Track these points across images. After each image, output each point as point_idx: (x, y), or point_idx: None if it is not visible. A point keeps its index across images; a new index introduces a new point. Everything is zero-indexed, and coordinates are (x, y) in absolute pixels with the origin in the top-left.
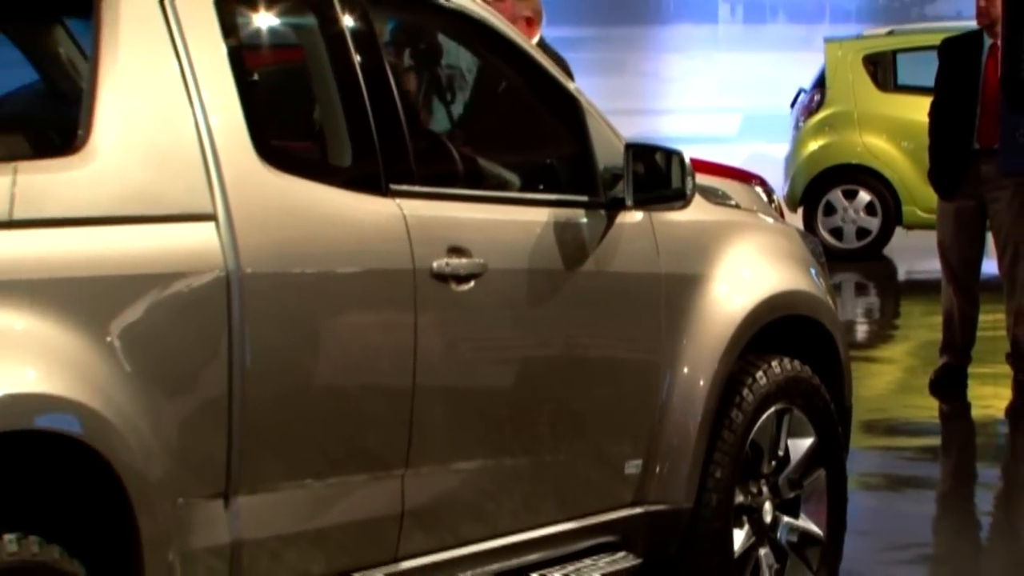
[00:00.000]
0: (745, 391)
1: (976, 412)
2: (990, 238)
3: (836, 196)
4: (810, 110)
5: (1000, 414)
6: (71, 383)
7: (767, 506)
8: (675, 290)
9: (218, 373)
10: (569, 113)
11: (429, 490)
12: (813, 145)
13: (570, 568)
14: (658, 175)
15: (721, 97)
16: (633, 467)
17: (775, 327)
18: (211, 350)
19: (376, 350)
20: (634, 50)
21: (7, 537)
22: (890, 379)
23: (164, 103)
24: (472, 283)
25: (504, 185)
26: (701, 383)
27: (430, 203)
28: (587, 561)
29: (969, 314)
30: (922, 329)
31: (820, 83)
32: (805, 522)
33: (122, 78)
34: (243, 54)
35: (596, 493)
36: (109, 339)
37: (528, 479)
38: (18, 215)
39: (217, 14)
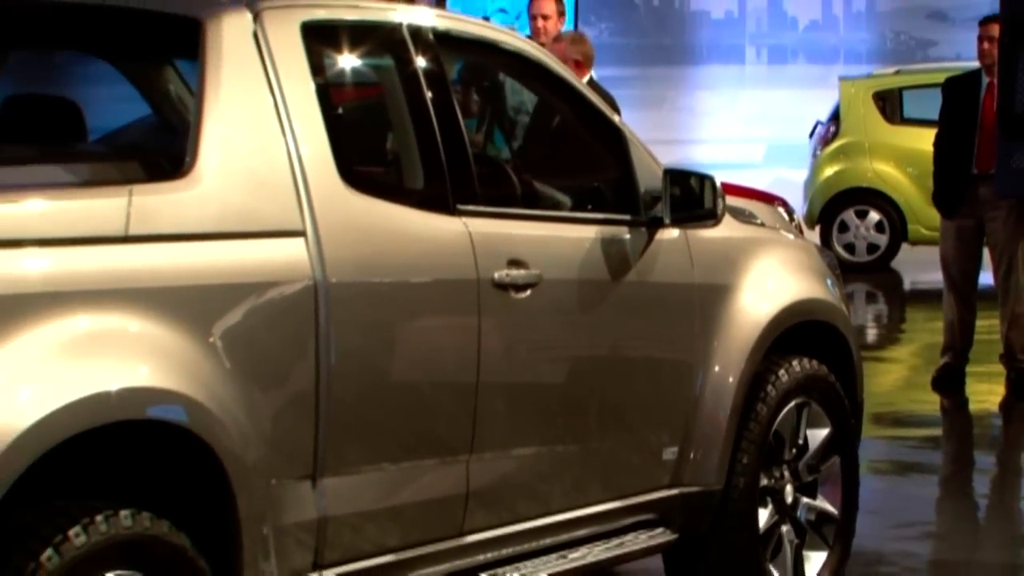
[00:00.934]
0: (769, 387)
1: (973, 406)
2: (986, 252)
3: (849, 215)
4: (826, 140)
5: (995, 408)
6: (179, 378)
7: (788, 488)
8: (707, 298)
9: (307, 370)
10: (614, 142)
11: (491, 473)
12: (829, 171)
13: (614, 543)
14: (692, 197)
15: (747, 129)
16: (670, 453)
17: (795, 331)
18: (300, 350)
19: (444, 350)
20: (671, 88)
21: (123, 513)
22: (897, 377)
23: (260, 133)
24: (529, 291)
25: (557, 205)
26: (730, 380)
27: (492, 221)
28: (629, 537)
29: (968, 320)
30: (925, 333)
31: (835, 116)
32: (822, 503)
33: (224, 112)
34: (328, 90)
35: (637, 476)
36: (212, 340)
37: (577, 463)
38: (133, 231)
39: (306, 56)
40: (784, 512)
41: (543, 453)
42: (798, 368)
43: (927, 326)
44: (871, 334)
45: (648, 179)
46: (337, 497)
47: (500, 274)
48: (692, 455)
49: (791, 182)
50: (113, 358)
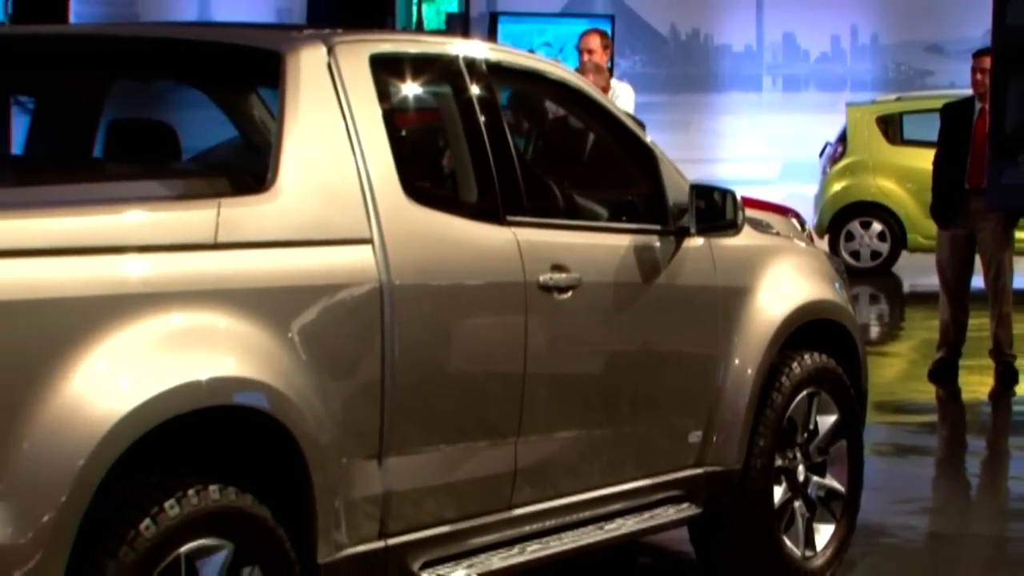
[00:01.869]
0: (783, 378)
1: (965, 395)
2: (977, 259)
3: (855, 226)
4: (834, 159)
5: (985, 397)
6: (261, 369)
7: (800, 468)
8: (729, 299)
9: (373, 362)
10: (646, 160)
11: (536, 454)
12: (836, 186)
13: (645, 516)
14: (716, 209)
15: (764, 149)
16: (695, 437)
17: (807, 328)
18: (368, 345)
19: (495, 345)
20: (697, 112)
21: (211, 487)
22: (897, 369)
23: (333, 152)
24: (570, 293)
25: (595, 215)
26: (749, 372)
27: (537, 230)
28: (659, 511)
29: (961, 319)
30: (922, 330)
31: (842, 138)
32: (830, 481)
33: (301, 133)
34: (393, 114)
35: (666, 457)
36: (290, 335)
37: (613, 445)
38: (221, 239)
39: (374, 84)
40: (796, 489)
41: (582, 436)
42: (809, 361)
43: (924, 324)
44: (874, 331)
45: (676, 193)
46: (400, 474)
47: (544, 277)
48: (715, 438)
49: (803, 196)
50: (203, 351)
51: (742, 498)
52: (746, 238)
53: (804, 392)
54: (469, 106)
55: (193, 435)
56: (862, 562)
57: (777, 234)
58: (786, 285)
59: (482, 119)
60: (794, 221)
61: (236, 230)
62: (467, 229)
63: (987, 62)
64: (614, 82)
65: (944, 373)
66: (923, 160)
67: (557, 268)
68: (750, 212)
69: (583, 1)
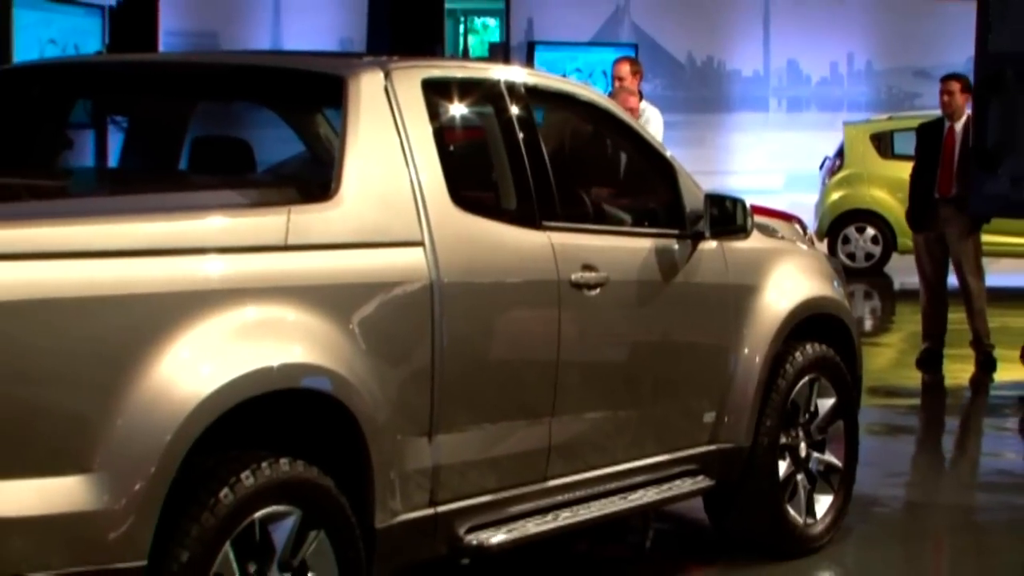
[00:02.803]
0: (787, 366)
1: (948, 381)
2: None
3: (851, 231)
4: (832, 171)
5: (965, 383)
6: (325, 356)
7: (802, 445)
8: (739, 295)
9: (424, 351)
10: (666, 172)
11: (568, 432)
12: (834, 195)
13: (664, 488)
14: (727, 216)
15: (770, 162)
16: (709, 417)
17: (808, 321)
18: (419, 335)
19: (532, 335)
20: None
21: (282, 460)
22: (888, 358)
23: (389, 165)
24: (598, 290)
25: (620, 221)
26: (757, 360)
27: (569, 234)
28: (676, 483)
29: (940, 311)
30: (910, 324)
31: (840, 153)
32: (829, 457)
33: (361, 148)
34: (442, 131)
35: (683, 435)
36: (351, 326)
37: (636, 424)
38: (291, 242)
39: (425, 105)
40: (799, 464)
41: (609, 416)
42: (810, 351)
43: (912, 318)
44: (868, 324)
45: (692, 201)
46: (447, 449)
47: (576, 276)
48: (726, 418)
49: (805, 205)
50: (275, 341)
51: (751, 472)
52: (754, 241)
53: (806, 378)
54: (509, 124)
55: (266, 415)
56: (857, 529)
57: (782, 238)
58: (790, 283)
59: (521, 135)
60: (797, 226)
61: (304, 234)
62: (507, 233)
63: (953, 85)
64: (643, 104)
65: (930, 361)
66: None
67: (587, 268)
68: (758, 218)
69: (610, 31)
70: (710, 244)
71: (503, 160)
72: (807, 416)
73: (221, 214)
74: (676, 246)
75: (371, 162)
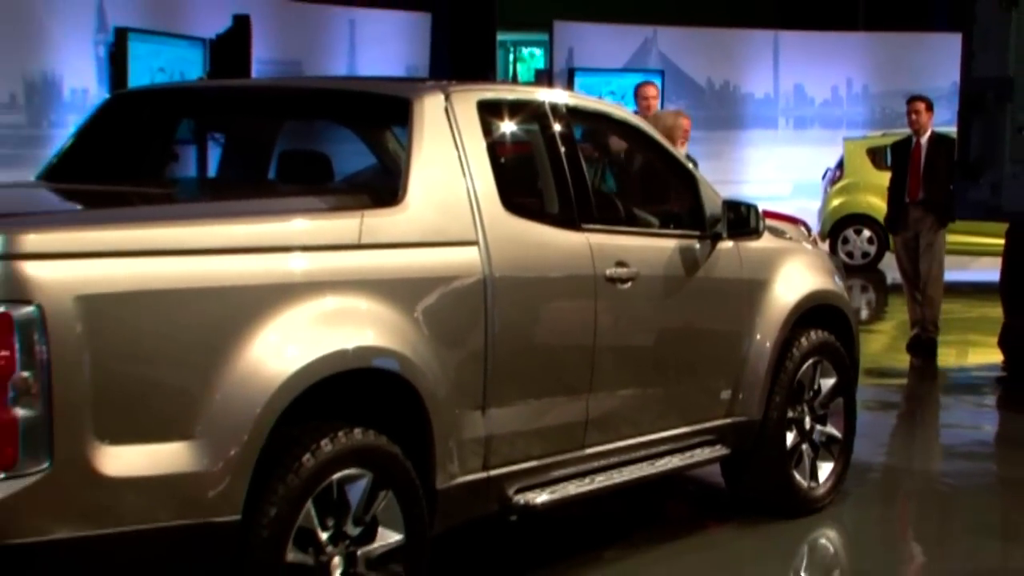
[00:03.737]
0: (794, 350)
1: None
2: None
3: (849, 232)
4: (833, 181)
5: (948, 365)
6: (393, 340)
7: (807, 419)
8: (752, 289)
9: (478, 336)
10: (688, 181)
11: (603, 406)
12: (835, 202)
13: (686, 455)
14: (742, 219)
15: (779, 173)
16: (726, 394)
17: (812, 311)
18: (474, 322)
19: (571, 323)
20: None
21: (356, 430)
22: (882, 343)
23: (448, 175)
24: (629, 283)
25: (649, 224)
26: (767, 344)
27: (604, 235)
28: (697, 451)
29: (919, 300)
30: (901, 314)
31: (840, 165)
32: (830, 429)
33: (424, 160)
34: (494, 146)
35: (703, 410)
36: (415, 314)
37: (662, 400)
38: (364, 241)
39: (480, 122)
40: (804, 435)
41: (638, 393)
42: (814, 337)
43: (902, 309)
44: (864, 314)
45: (711, 207)
46: (498, 421)
47: (610, 271)
48: (741, 395)
49: (809, 210)
50: (350, 327)
51: (762, 442)
52: (766, 241)
53: (810, 360)
54: (552, 139)
55: (343, 391)
56: (854, 491)
57: (789, 239)
58: (796, 278)
59: (562, 149)
60: (802, 229)
61: (375, 234)
62: (550, 234)
63: (919, 105)
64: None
65: (917, 347)
66: None
67: (620, 264)
68: (769, 221)
69: (640, 59)
70: (727, 244)
71: (547, 170)
72: (811, 394)
73: (304, 217)
74: (697, 245)
75: (433, 172)
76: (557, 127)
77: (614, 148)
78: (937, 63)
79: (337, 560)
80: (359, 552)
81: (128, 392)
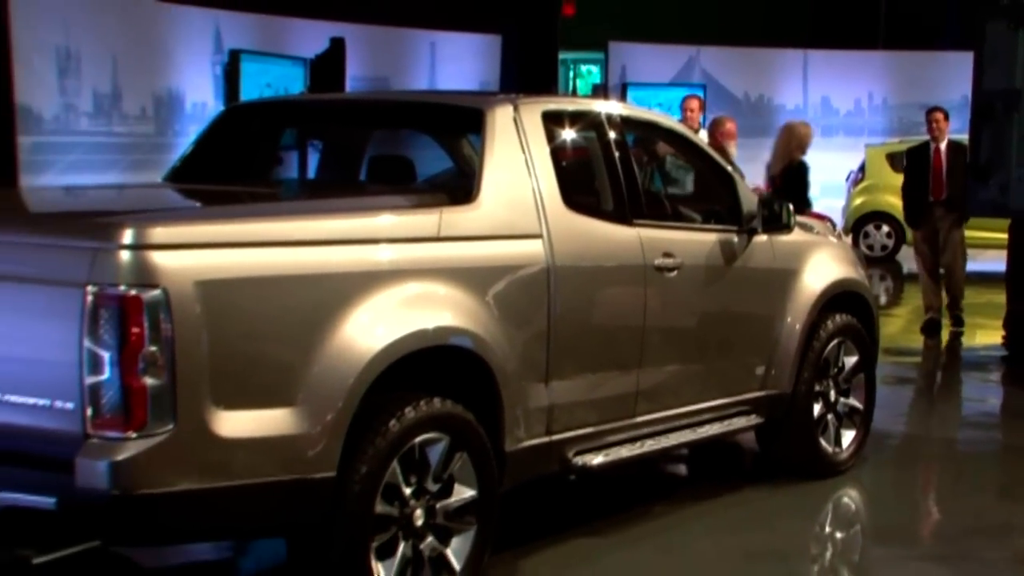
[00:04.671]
0: (821, 331)
1: (944, 344)
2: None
3: (870, 228)
4: (856, 182)
5: (958, 345)
6: (467, 321)
7: (832, 392)
8: (784, 277)
9: (542, 318)
10: (728, 182)
11: (651, 380)
12: (857, 201)
13: (725, 423)
14: (775, 215)
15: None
16: (760, 370)
17: (837, 297)
18: (538, 305)
19: (624, 306)
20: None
21: (435, 399)
22: (898, 326)
23: (516, 176)
24: (675, 272)
25: (692, 220)
26: (797, 327)
27: (653, 229)
28: (734, 420)
29: (936, 290)
30: (916, 300)
31: (862, 168)
32: (853, 401)
33: (495, 163)
34: (557, 150)
35: (740, 383)
36: (487, 298)
37: (703, 375)
38: (442, 234)
39: (544, 130)
40: (829, 406)
41: (683, 368)
42: (839, 320)
43: (917, 295)
44: (883, 299)
45: (748, 204)
46: (559, 392)
47: (658, 261)
48: (773, 371)
49: (834, 208)
50: (430, 309)
51: (792, 412)
52: (796, 235)
53: (835, 340)
54: (607, 145)
55: (424, 365)
56: (872, 457)
57: (817, 233)
58: (823, 267)
59: (616, 154)
60: (828, 224)
61: (452, 228)
62: (605, 228)
63: (939, 115)
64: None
65: (931, 329)
66: None
67: (666, 255)
68: (798, 218)
69: (685, 75)
70: (761, 237)
71: (603, 172)
72: (836, 370)
73: (390, 213)
74: (735, 239)
75: (503, 174)
76: (611, 134)
77: (661, 152)
78: (949, 78)
79: (419, 512)
80: (438, 505)
81: (240, 364)
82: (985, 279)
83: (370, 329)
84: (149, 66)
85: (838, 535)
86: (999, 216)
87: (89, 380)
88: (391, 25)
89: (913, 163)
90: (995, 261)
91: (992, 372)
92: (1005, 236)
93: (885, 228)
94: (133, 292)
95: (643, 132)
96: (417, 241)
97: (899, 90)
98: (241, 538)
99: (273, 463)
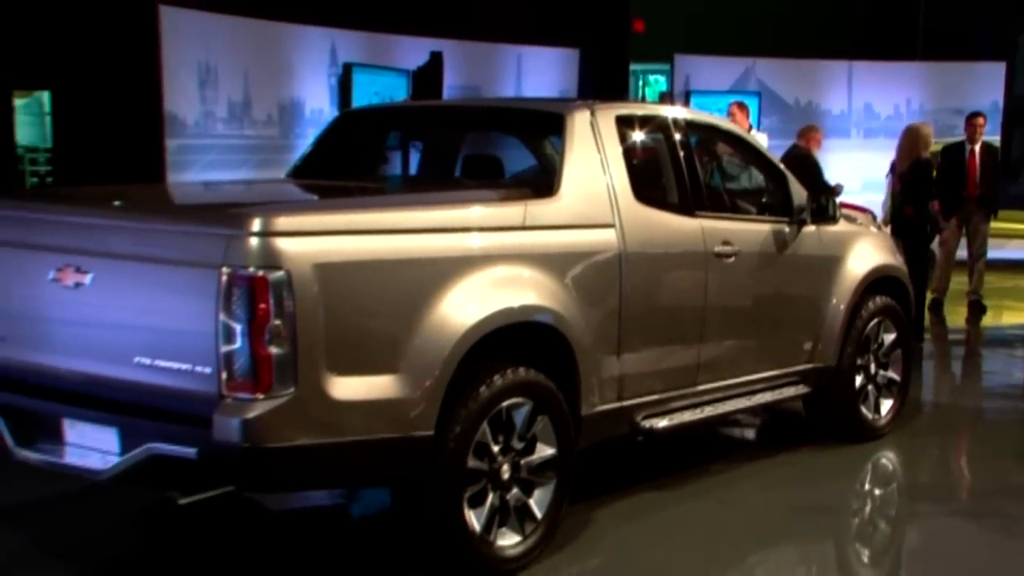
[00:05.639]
0: (863, 311)
1: (949, 322)
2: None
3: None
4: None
5: (961, 323)
6: (549, 300)
7: (872, 365)
8: (830, 263)
9: (614, 298)
10: (779, 178)
11: (711, 353)
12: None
13: (776, 392)
14: (822, 208)
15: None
16: (808, 345)
17: (878, 281)
18: (611, 287)
19: (687, 288)
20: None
21: (520, 368)
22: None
23: (592, 173)
24: (733, 259)
25: (748, 212)
26: (842, 307)
27: (713, 220)
28: (784, 389)
29: (948, 274)
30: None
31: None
32: (891, 373)
33: (574, 162)
34: (628, 150)
35: (790, 357)
36: (566, 280)
37: (757, 349)
38: (527, 224)
39: (617, 132)
40: (870, 378)
41: (739, 343)
42: (880, 301)
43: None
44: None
45: (798, 198)
46: (630, 364)
47: (717, 248)
48: (820, 346)
49: (875, 201)
50: (516, 290)
51: (836, 383)
52: (841, 226)
53: (875, 320)
54: (672, 145)
55: (512, 338)
56: (908, 423)
57: (860, 224)
58: (865, 255)
59: (681, 153)
60: (869, 216)
61: (536, 218)
62: (671, 219)
63: (979, 120)
64: (754, 131)
65: (936, 308)
66: None
67: (725, 243)
68: (843, 210)
69: (742, 83)
70: (810, 228)
71: (668, 169)
72: (876, 346)
73: (481, 205)
74: (786, 229)
75: (580, 171)
76: (676, 135)
77: (721, 152)
78: (981, 86)
79: (505, 467)
80: (522, 462)
81: (351, 336)
82: (1012, 266)
83: (464, 307)
84: (275, 78)
85: (876, 492)
86: None
87: (224, 349)
88: (483, 40)
89: (948, 160)
90: (1021, 249)
91: (1017, 349)
92: None
93: None
94: (261, 273)
95: (704, 134)
96: (505, 230)
97: (935, 96)
98: (352, 487)
99: (379, 422)
